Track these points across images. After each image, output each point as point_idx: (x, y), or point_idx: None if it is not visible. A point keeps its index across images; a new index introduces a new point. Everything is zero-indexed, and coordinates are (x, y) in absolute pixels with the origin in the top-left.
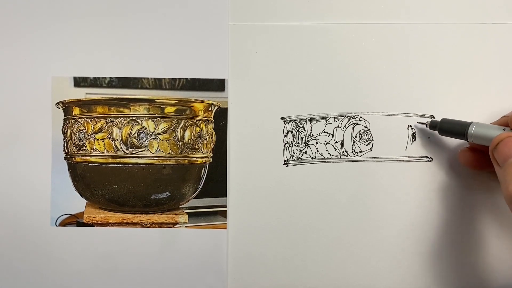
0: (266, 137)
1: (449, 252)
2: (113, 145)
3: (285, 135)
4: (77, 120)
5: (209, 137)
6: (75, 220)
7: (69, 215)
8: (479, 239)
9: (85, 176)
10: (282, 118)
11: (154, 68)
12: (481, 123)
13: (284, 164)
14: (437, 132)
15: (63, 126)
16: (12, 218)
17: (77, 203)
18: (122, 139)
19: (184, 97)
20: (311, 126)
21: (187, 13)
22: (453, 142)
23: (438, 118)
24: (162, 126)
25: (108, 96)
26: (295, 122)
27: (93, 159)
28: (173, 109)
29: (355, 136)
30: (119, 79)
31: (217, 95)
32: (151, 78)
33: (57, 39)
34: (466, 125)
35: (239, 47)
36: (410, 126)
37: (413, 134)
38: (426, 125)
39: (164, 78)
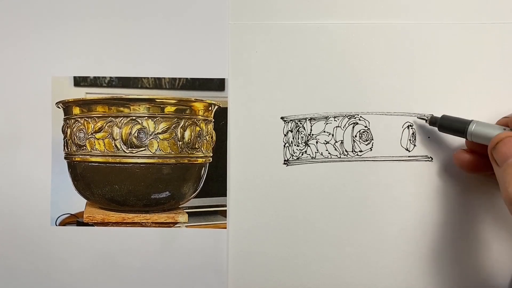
0: (266, 137)
1: (449, 251)
2: (113, 144)
3: (285, 135)
4: (77, 120)
5: (209, 137)
6: (75, 220)
7: (69, 215)
8: (479, 239)
9: (85, 176)
10: (282, 118)
11: (154, 68)
12: (481, 122)
13: (284, 163)
14: (437, 130)
15: (63, 126)
16: (12, 218)
17: (77, 203)
18: (122, 139)
19: (184, 96)
20: (311, 126)
21: (187, 13)
22: (453, 141)
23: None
24: (162, 126)
25: (108, 96)
26: (295, 121)
27: (93, 159)
28: (173, 108)
29: (355, 136)
30: (119, 78)
31: (217, 95)
32: (151, 77)
33: (57, 39)
34: (467, 123)
35: (239, 47)
36: (411, 125)
37: (413, 133)
38: (426, 120)
39: (164, 78)
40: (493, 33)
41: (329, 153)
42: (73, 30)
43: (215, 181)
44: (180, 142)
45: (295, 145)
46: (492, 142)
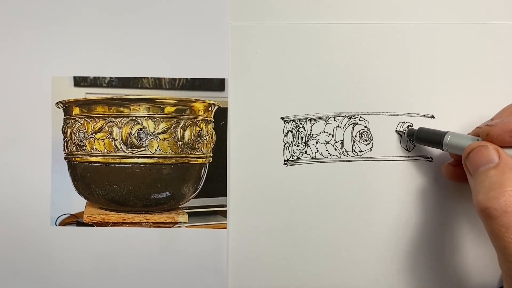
0: (266, 137)
1: (452, 251)
2: (113, 144)
3: (285, 135)
4: (77, 120)
5: (209, 137)
6: (75, 220)
7: (69, 215)
8: (481, 238)
9: (85, 176)
10: (282, 118)
11: (154, 68)
12: (456, 133)
13: (284, 164)
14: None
15: (63, 126)
16: (12, 218)
17: (77, 203)
18: (122, 139)
19: (184, 96)
20: (311, 126)
21: (187, 13)
22: None
23: (438, 117)
24: (162, 126)
25: (108, 96)
26: (295, 121)
27: (93, 159)
28: (173, 108)
29: (355, 136)
30: (119, 78)
31: (217, 95)
32: (151, 77)
33: (57, 39)
34: (442, 134)
35: (239, 47)
36: (411, 125)
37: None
38: (404, 133)
39: (164, 78)
40: (493, 33)
41: (329, 153)
42: (73, 30)
43: (215, 181)
44: (180, 142)
45: (295, 145)
46: (465, 152)
